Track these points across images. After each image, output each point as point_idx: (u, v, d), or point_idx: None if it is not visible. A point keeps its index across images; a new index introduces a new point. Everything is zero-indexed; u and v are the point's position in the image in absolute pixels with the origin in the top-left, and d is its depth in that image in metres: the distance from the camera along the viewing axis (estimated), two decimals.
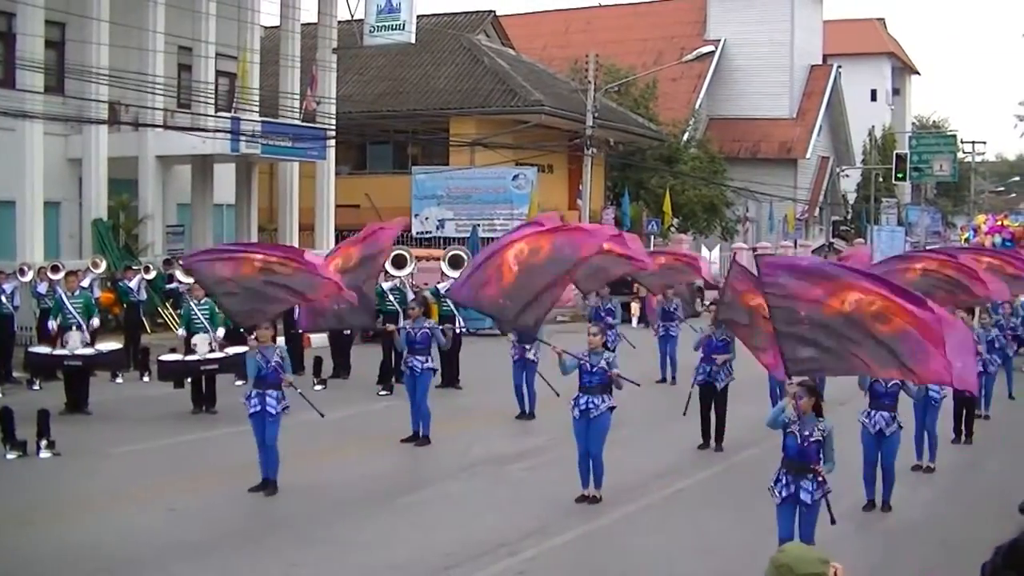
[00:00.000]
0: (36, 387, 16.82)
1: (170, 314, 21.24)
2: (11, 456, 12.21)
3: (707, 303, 19.32)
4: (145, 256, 24.12)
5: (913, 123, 74.69)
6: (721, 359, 13.33)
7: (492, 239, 32.21)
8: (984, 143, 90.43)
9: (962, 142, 61.53)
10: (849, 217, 60.41)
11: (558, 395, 13.18)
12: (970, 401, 14.18)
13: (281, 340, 12.51)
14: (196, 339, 15.45)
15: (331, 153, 30.03)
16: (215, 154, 26.32)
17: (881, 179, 57.04)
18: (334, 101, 30.16)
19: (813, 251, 46.02)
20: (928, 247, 32.78)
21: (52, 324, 15.97)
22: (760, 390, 14.20)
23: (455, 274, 17.11)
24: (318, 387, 16.76)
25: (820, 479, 8.09)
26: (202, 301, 15.24)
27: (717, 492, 11.50)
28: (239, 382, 15.51)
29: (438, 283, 19.09)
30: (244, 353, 12.26)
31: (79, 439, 13.02)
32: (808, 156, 53.66)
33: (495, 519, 10.16)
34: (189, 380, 15.80)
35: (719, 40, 52.46)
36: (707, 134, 50.42)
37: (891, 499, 10.66)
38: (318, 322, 12.93)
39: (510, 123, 34.50)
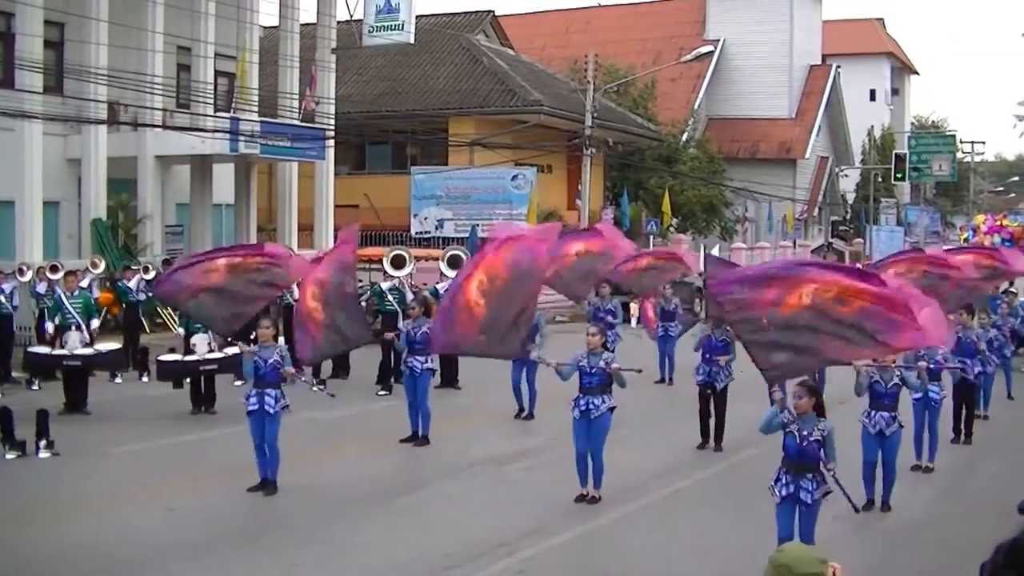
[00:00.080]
0: (35, 387, 16.83)
1: (169, 314, 21.23)
2: (10, 456, 12.21)
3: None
4: (144, 256, 24.10)
5: (912, 123, 74.72)
6: (723, 360, 13.34)
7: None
8: (983, 143, 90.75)
9: (961, 142, 61.66)
10: (848, 217, 60.40)
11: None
12: (970, 401, 14.21)
13: (282, 340, 12.46)
14: (195, 339, 15.45)
15: (330, 153, 30.03)
16: (214, 154, 26.32)
17: (880, 179, 57.05)
18: (333, 101, 30.16)
19: (812, 251, 46.05)
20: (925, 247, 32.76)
21: (48, 325, 15.96)
22: (760, 390, 14.06)
23: (454, 274, 17.07)
24: (317, 388, 16.71)
25: (827, 475, 8.08)
26: None
27: (716, 492, 11.50)
28: (238, 382, 15.51)
29: (437, 283, 19.07)
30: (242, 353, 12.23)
31: (78, 439, 13.02)
32: (807, 156, 53.66)
33: (494, 519, 10.16)
34: (188, 380, 15.79)
35: (718, 40, 52.47)
36: (706, 134, 50.42)
37: (890, 499, 10.67)
38: (316, 353, 12.42)
39: (509, 123, 34.50)
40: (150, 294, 18.75)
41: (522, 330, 10.43)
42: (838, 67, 56.86)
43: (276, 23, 30.57)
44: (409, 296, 17.28)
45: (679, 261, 18.18)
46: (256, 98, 27.62)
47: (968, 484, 12.31)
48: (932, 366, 11.87)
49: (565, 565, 9.13)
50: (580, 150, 33.69)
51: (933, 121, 78.15)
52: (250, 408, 10.92)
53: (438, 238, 32.60)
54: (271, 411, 10.84)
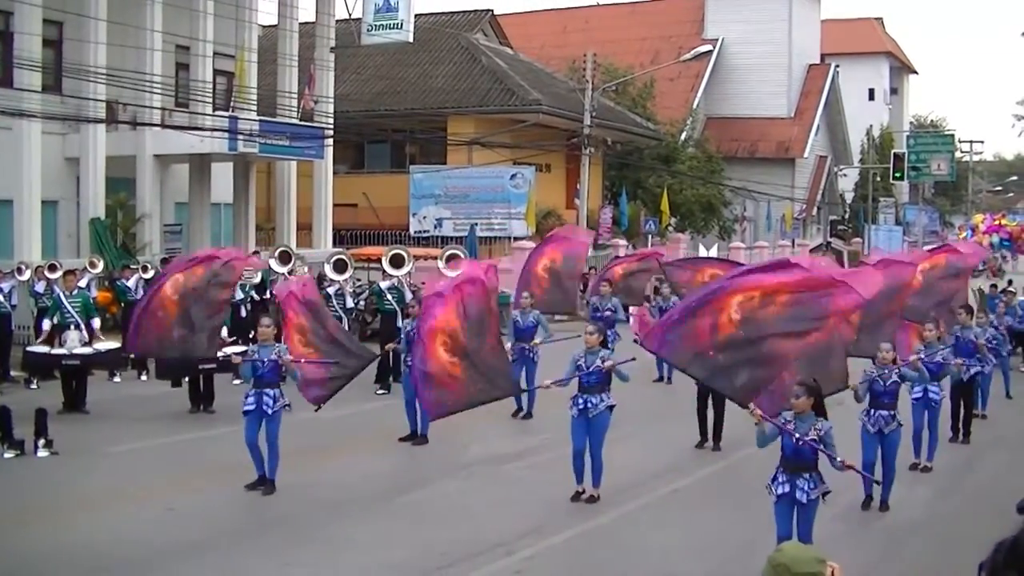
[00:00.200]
0: (34, 386, 16.82)
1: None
2: (9, 455, 12.20)
3: None
4: (143, 255, 24.06)
5: (911, 122, 74.74)
6: None
7: (490, 239, 32.47)
8: (982, 142, 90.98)
9: (960, 141, 61.66)
10: (847, 216, 60.44)
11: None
12: (968, 400, 14.22)
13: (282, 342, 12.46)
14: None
15: (329, 152, 30.02)
16: (213, 153, 26.30)
17: (879, 178, 57.08)
18: (332, 100, 30.15)
19: (811, 251, 46.02)
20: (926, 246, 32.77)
21: (45, 324, 15.95)
22: None
23: (452, 274, 17.06)
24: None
25: (838, 464, 8.06)
26: None
27: (715, 491, 11.50)
28: (236, 381, 15.48)
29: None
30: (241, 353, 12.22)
31: (77, 438, 13.02)
32: (806, 155, 53.70)
33: (492, 518, 10.15)
34: (187, 379, 15.78)
35: (717, 39, 52.50)
36: (705, 133, 50.44)
37: (889, 498, 10.67)
38: (321, 392, 11.78)
39: (508, 122, 34.51)
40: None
41: (502, 362, 10.81)
42: (837, 66, 56.89)
43: (275, 22, 30.56)
44: (408, 295, 17.26)
45: (653, 257, 18.43)
46: (255, 97, 27.60)
47: (967, 483, 12.33)
48: (932, 366, 11.88)
49: (564, 564, 9.13)
50: (579, 149, 33.71)
51: (932, 120, 78.22)
52: (246, 408, 10.89)
53: (437, 237, 32.59)
54: (270, 411, 10.82)
